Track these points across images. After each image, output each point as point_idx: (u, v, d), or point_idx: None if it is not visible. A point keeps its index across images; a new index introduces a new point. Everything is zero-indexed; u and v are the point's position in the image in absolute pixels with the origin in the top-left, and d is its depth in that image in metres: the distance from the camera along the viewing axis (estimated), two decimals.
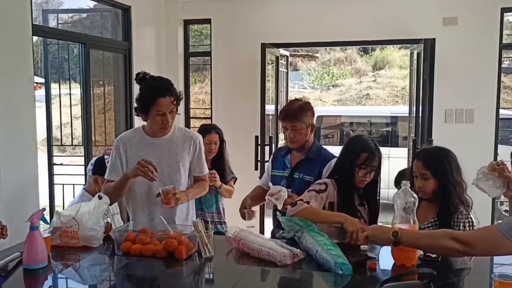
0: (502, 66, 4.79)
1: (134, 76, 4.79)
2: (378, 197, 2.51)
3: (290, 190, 2.60)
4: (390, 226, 1.96)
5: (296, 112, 2.66)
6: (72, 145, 6.37)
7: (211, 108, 5.45)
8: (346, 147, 2.48)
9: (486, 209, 4.65)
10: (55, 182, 4.58)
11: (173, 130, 2.60)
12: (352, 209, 2.37)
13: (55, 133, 5.59)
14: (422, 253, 2.00)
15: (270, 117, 5.24)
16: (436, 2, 4.78)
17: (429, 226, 2.27)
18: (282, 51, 5.64)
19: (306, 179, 2.66)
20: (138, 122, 4.63)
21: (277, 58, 5.47)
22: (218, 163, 3.44)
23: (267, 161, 3.39)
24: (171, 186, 2.45)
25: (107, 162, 2.92)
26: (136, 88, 4.87)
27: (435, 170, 2.26)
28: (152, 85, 2.48)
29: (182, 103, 5.78)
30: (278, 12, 5.12)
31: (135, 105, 2.56)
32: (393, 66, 15.04)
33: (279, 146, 5.69)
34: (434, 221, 2.27)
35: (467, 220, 2.21)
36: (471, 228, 2.21)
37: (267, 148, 4.92)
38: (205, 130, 3.77)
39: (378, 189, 2.50)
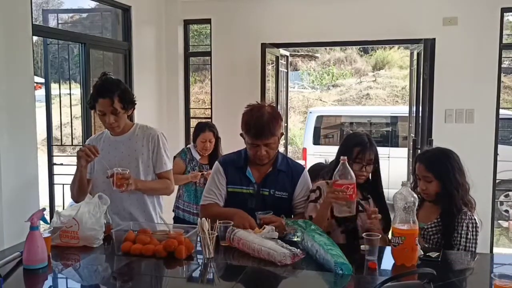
0: (502, 66, 4.79)
1: (134, 76, 4.86)
2: (382, 191, 2.43)
3: (271, 212, 2.33)
4: None
5: (269, 125, 2.29)
6: (72, 145, 6.36)
7: (211, 108, 5.45)
8: (341, 145, 2.45)
9: (486, 209, 4.66)
10: (55, 182, 4.59)
11: (134, 128, 2.68)
12: None
13: (55, 133, 5.59)
14: (422, 253, 2.00)
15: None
16: (436, 2, 4.78)
17: (433, 226, 2.28)
18: (282, 51, 5.64)
19: (278, 196, 2.40)
20: (137, 121, 4.65)
21: (277, 58, 5.48)
22: (213, 160, 3.47)
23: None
24: (126, 170, 2.47)
25: None
26: (136, 88, 4.90)
27: (438, 172, 2.26)
28: (97, 84, 2.60)
29: (182, 103, 5.81)
30: (278, 12, 5.12)
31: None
32: (393, 66, 15.05)
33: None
34: (437, 222, 2.27)
35: (470, 221, 2.21)
36: (474, 229, 2.21)
37: None
38: (199, 128, 3.85)
39: (380, 183, 2.44)
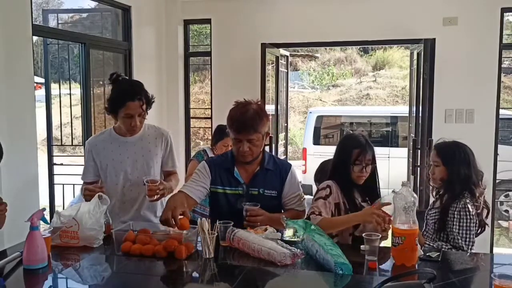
0: (502, 66, 4.79)
1: (134, 76, 4.86)
2: (379, 192, 2.45)
3: (258, 205, 2.33)
4: None
5: (252, 121, 2.28)
6: (72, 145, 6.37)
7: (211, 108, 5.45)
8: (339, 147, 2.47)
9: None
10: (55, 182, 4.59)
11: (143, 129, 2.68)
12: (357, 206, 2.36)
13: (55, 133, 5.58)
14: (422, 253, 2.00)
15: (270, 117, 5.24)
16: (436, 2, 4.78)
17: (433, 212, 2.46)
18: (282, 51, 5.64)
19: (267, 194, 2.41)
20: None
21: (277, 58, 5.48)
22: None
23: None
24: (156, 179, 2.52)
25: None
26: None
27: (445, 158, 2.45)
28: (123, 87, 2.57)
29: (182, 103, 5.81)
30: (278, 12, 5.12)
31: (106, 104, 2.64)
32: (393, 66, 15.05)
33: (278, 148, 5.68)
34: (438, 208, 2.44)
35: (463, 209, 2.33)
36: (467, 216, 2.32)
37: (267, 148, 4.92)
38: (222, 132, 3.73)
39: (378, 184, 2.46)
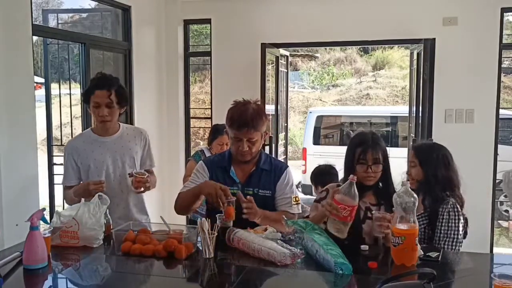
0: (502, 66, 4.79)
1: (134, 76, 4.86)
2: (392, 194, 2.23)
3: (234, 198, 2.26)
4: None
5: (253, 120, 2.28)
6: None
7: (211, 108, 5.45)
8: (347, 146, 2.40)
9: (486, 209, 4.66)
10: (55, 182, 4.57)
11: (122, 128, 2.74)
12: (362, 209, 2.22)
13: (55, 133, 5.57)
14: (422, 253, 2.00)
15: (270, 117, 5.24)
16: (436, 2, 4.78)
17: (419, 218, 2.30)
18: (282, 51, 5.64)
19: (261, 194, 2.39)
20: (137, 121, 4.66)
21: (277, 58, 5.48)
22: None
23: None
24: (144, 172, 2.62)
25: None
26: (136, 88, 4.89)
27: (423, 159, 2.44)
28: (95, 78, 2.67)
29: (182, 103, 5.80)
30: (278, 12, 5.12)
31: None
32: (393, 66, 15.05)
33: (276, 148, 5.68)
34: (423, 213, 2.37)
35: (452, 210, 2.29)
36: (456, 217, 2.27)
37: (267, 148, 4.93)
38: (217, 131, 3.77)
39: (391, 184, 2.30)
